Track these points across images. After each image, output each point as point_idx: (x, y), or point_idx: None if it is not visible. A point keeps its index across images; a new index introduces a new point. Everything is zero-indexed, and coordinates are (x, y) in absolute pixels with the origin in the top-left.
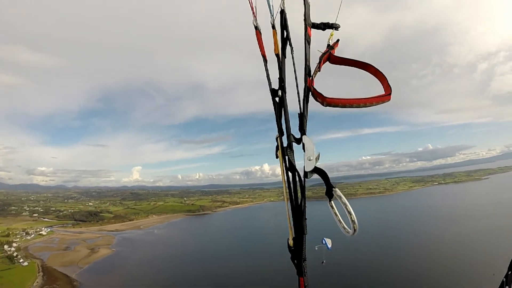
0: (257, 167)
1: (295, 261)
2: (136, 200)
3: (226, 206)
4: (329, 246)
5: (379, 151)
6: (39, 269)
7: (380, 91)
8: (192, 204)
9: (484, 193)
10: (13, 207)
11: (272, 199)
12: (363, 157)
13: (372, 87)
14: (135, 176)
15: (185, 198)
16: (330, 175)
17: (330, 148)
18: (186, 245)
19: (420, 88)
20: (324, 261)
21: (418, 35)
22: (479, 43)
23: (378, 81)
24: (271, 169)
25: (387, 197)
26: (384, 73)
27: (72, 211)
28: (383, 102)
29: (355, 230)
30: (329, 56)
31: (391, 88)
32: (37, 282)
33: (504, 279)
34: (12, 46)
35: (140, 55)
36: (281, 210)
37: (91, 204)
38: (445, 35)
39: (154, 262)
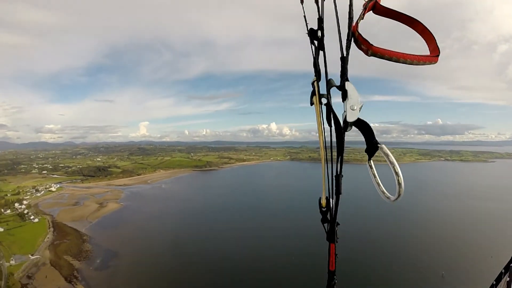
0: (264, 126)
1: (326, 224)
2: (144, 155)
3: (233, 163)
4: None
5: (388, 120)
6: (49, 225)
7: (420, 51)
8: (199, 160)
9: (490, 175)
10: (22, 166)
11: (278, 158)
12: (371, 124)
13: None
14: (142, 131)
15: (192, 154)
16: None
17: (338, 110)
18: (193, 200)
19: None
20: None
21: (439, 7)
22: (502, 24)
23: (423, 40)
24: (278, 128)
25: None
26: (432, 33)
27: (81, 167)
28: (430, 63)
29: (399, 194)
30: (374, 5)
31: (439, 49)
32: (48, 237)
33: (503, 270)
34: (13, 5)
35: (148, 9)
36: (286, 169)
37: (99, 159)
38: (467, 10)
39: (162, 216)
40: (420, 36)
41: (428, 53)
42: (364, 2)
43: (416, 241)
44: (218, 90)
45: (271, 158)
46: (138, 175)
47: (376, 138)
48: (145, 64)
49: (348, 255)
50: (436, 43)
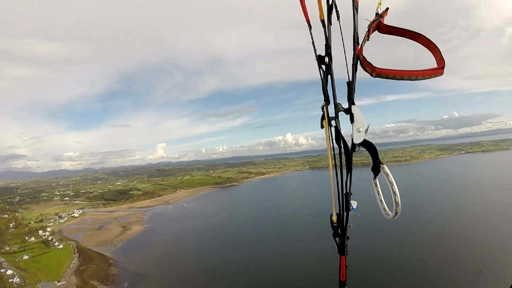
0: (280, 137)
1: (337, 238)
2: (163, 176)
3: (252, 177)
4: (354, 206)
5: (403, 119)
6: (74, 251)
7: (428, 64)
8: (219, 177)
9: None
10: (44, 193)
11: (298, 168)
12: (387, 125)
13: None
14: (159, 153)
15: (211, 171)
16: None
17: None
18: (216, 217)
19: (445, 52)
20: (351, 225)
21: None
22: (507, 7)
23: (430, 53)
24: (294, 139)
25: (414, 165)
26: (437, 45)
27: (102, 191)
28: (435, 76)
29: (396, 212)
30: (379, 25)
31: (444, 61)
32: (74, 263)
33: None
34: (26, 40)
35: (156, 33)
36: (308, 178)
37: (119, 183)
38: None
39: (187, 236)
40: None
41: (435, 65)
42: (368, 23)
43: (448, 237)
44: (232, 106)
45: (291, 169)
46: (159, 196)
47: (392, 139)
48: (158, 87)
49: (376, 256)
50: (441, 55)
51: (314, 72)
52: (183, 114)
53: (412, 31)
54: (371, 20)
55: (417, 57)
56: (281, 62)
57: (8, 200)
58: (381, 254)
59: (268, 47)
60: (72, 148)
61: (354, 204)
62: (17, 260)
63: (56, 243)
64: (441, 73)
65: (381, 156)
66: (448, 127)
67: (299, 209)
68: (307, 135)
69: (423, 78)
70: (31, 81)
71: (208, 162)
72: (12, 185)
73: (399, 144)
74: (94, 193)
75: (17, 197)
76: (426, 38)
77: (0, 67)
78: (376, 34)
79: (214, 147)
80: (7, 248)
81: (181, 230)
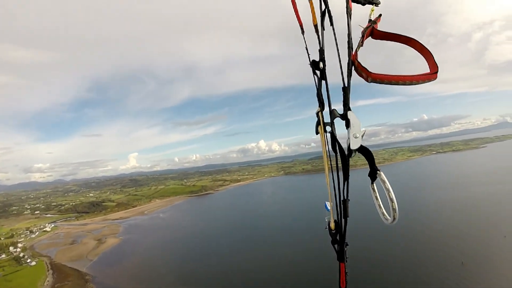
0: (253, 144)
1: (336, 245)
2: (136, 186)
3: (228, 184)
4: (329, 207)
5: (375, 123)
6: (48, 267)
7: (421, 69)
8: (193, 185)
9: (484, 161)
10: (14, 207)
11: (272, 174)
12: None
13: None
14: (132, 163)
15: (185, 180)
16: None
17: None
18: (194, 226)
19: (414, 58)
20: (327, 227)
21: (413, 5)
22: (474, 13)
23: (423, 58)
24: (267, 146)
25: (387, 166)
26: (430, 50)
27: (74, 204)
28: (429, 80)
29: (394, 218)
30: (372, 31)
31: (437, 66)
32: (48, 280)
33: None
34: (1, 45)
35: (129, 41)
36: (283, 184)
37: (92, 195)
38: (440, 5)
39: (164, 246)
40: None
41: (428, 70)
42: (362, 29)
43: (429, 234)
44: (204, 114)
45: (265, 175)
46: (133, 207)
47: (364, 142)
48: (130, 95)
49: (363, 256)
50: (434, 60)
51: (285, 79)
52: (156, 122)
53: (406, 36)
54: (364, 27)
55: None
56: (254, 69)
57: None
58: (375, 255)
59: (241, 55)
60: (42, 159)
61: (329, 205)
62: None
63: (29, 260)
64: (435, 78)
65: (354, 159)
66: (418, 129)
67: (279, 214)
68: (280, 141)
69: (418, 83)
70: (2, 89)
71: (181, 171)
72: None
73: (371, 147)
74: (66, 205)
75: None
76: (419, 43)
77: None
78: (368, 40)
79: (187, 156)
80: None
81: (158, 241)
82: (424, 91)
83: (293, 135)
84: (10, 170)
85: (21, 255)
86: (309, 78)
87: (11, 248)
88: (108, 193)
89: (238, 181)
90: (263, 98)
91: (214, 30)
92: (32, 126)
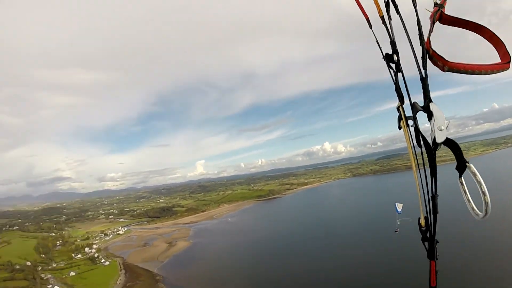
0: (318, 147)
1: (426, 243)
2: (205, 192)
3: (295, 188)
4: (399, 210)
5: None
6: (120, 267)
7: (489, 57)
8: (261, 190)
9: None
10: (89, 212)
11: (340, 177)
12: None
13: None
14: (199, 170)
15: (252, 185)
16: (394, 146)
17: (388, 118)
18: (263, 231)
19: (476, 41)
20: (397, 230)
21: None
22: None
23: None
24: (332, 147)
25: None
26: (501, 38)
27: (145, 209)
28: (503, 70)
29: (486, 213)
30: (441, 15)
31: (510, 55)
32: (120, 279)
33: None
34: (67, 70)
35: (187, 54)
36: (352, 186)
37: (162, 200)
38: None
39: (233, 250)
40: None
41: (499, 60)
42: (430, 14)
43: None
44: (267, 119)
45: (333, 178)
46: (202, 211)
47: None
48: (194, 106)
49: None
50: (506, 48)
51: (344, 78)
52: (221, 130)
53: (475, 23)
54: (432, 11)
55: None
56: (313, 71)
57: (55, 219)
58: (466, 254)
59: (298, 57)
60: (114, 169)
61: (399, 208)
62: (64, 276)
63: (103, 260)
64: (508, 68)
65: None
66: (489, 120)
67: (349, 217)
68: (345, 143)
69: (492, 72)
70: (73, 108)
71: (248, 176)
72: (58, 205)
73: None
74: (138, 210)
75: (64, 217)
76: (490, 30)
77: (46, 96)
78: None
79: (253, 161)
80: (54, 265)
81: (227, 245)
82: (490, 78)
83: (358, 135)
84: (85, 180)
85: (96, 255)
86: (371, 74)
87: (86, 249)
88: (178, 199)
89: (305, 184)
90: (325, 99)
91: (267, 35)
92: (104, 140)
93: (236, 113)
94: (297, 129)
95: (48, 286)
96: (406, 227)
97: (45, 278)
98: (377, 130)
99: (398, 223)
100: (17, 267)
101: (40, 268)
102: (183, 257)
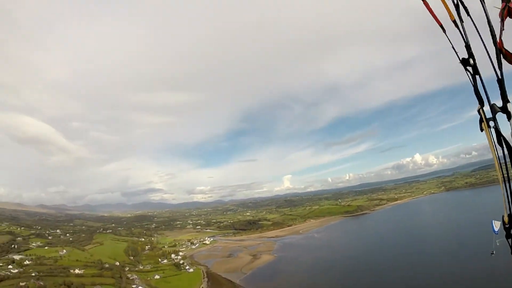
0: (408, 159)
1: (510, 240)
2: (291, 207)
3: (384, 204)
4: (496, 229)
5: None
6: (204, 275)
7: None
8: (348, 205)
9: None
10: (178, 222)
11: (432, 191)
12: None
13: None
14: (286, 184)
15: (339, 200)
16: (491, 155)
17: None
18: (350, 248)
19: None
20: (493, 252)
21: None
22: None
23: None
24: (423, 159)
25: None
26: None
27: (232, 221)
28: None
29: None
30: (510, 11)
31: None
32: (202, 287)
33: None
34: (158, 92)
35: (270, 70)
36: (446, 202)
37: (249, 214)
38: None
39: (317, 267)
40: None
41: None
42: (499, 12)
43: None
44: (353, 132)
45: (424, 192)
46: (288, 226)
47: None
48: (279, 121)
49: None
50: None
51: (432, 82)
52: (306, 145)
53: None
54: (500, 8)
55: None
56: (397, 77)
57: (146, 226)
58: None
59: (381, 64)
60: (203, 182)
61: (496, 226)
62: (148, 278)
63: (187, 267)
64: None
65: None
66: None
67: (442, 235)
68: (436, 153)
69: None
70: (164, 127)
71: (335, 191)
72: (149, 214)
73: None
74: (225, 222)
75: (154, 224)
76: None
77: (140, 117)
78: None
79: (340, 176)
80: (141, 267)
81: (311, 261)
82: None
83: (450, 145)
84: (175, 192)
85: (181, 262)
86: (459, 75)
87: (173, 255)
88: (264, 212)
89: (396, 199)
90: (413, 107)
91: (348, 44)
92: (193, 155)
93: (321, 127)
94: (385, 141)
95: (133, 286)
96: (504, 249)
97: (131, 278)
98: (471, 138)
99: (497, 243)
100: (106, 265)
101: (127, 268)
102: (267, 270)
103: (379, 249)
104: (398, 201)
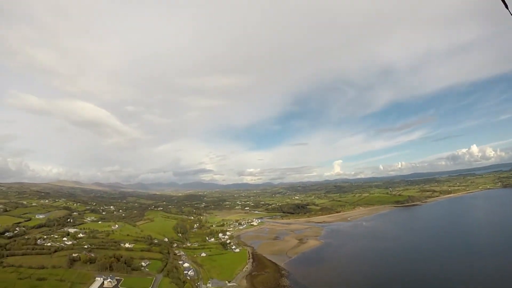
0: (464, 150)
1: None
2: (340, 193)
3: (437, 196)
4: None
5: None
6: (249, 256)
7: None
8: (399, 195)
9: None
10: (227, 202)
11: (488, 186)
12: None
13: None
14: (336, 170)
15: (390, 189)
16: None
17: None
18: (398, 239)
19: None
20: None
21: None
22: None
23: None
24: (480, 151)
25: None
26: None
27: (280, 204)
28: None
29: None
30: None
31: None
32: (247, 267)
33: None
34: (209, 77)
35: (323, 53)
36: (503, 199)
37: (297, 197)
38: None
39: (364, 257)
40: None
41: None
42: None
43: None
44: (407, 118)
45: (480, 187)
46: (337, 212)
47: None
48: (331, 105)
49: None
50: None
51: (495, 66)
52: (358, 130)
53: None
54: None
55: None
56: (455, 61)
57: (195, 205)
58: None
59: (437, 47)
60: (253, 164)
61: None
62: (195, 255)
63: (233, 247)
64: None
65: None
66: None
67: (494, 235)
68: (494, 146)
69: None
70: (216, 109)
71: (386, 180)
72: (199, 193)
73: None
74: (273, 205)
75: (203, 204)
76: None
77: (192, 100)
78: None
79: (392, 164)
80: (188, 244)
81: (358, 250)
82: None
83: (510, 137)
84: (226, 173)
85: (228, 241)
86: None
87: (220, 235)
88: (313, 197)
89: (449, 192)
90: (471, 94)
91: (403, 26)
92: (244, 138)
93: (374, 111)
94: (441, 129)
95: (180, 262)
96: None
97: (178, 254)
98: None
99: None
100: (155, 241)
101: (175, 245)
102: (312, 255)
103: (428, 246)
104: (451, 194)
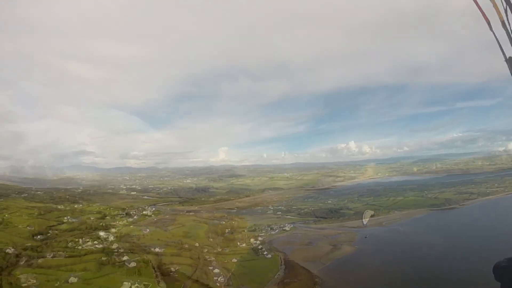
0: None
1: None
2: (374, 196)
3: (475, 198)
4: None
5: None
6: (281, 262)
7: None
8: (435, 198)
9: None
10: (258, 207)
11: None
12: (454, 134)
13: None
14: (221, 156)
15: (425, 192)
16: (421, 153)
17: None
18: (436, 245)
19: None
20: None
21: None
22: None
23: None
24: (357, 147)
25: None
26: None
27: (313, 209)
28: None
29: None
30: None
31: None
32: (279, 274)
33: None
34: (100, 40)
35: (223, 38)
36: None
37: (330, 202)
38: None
39: (400, 263)
40: None
41: None
42: None
43: None
44: (296, 112)
45: None
46: (371, 216)
47: (460, 150)
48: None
49: None
50: None
51: (384, 75)
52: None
53: None
54: None
55: None
56: (349, 66)
57: (227, 210)
58: None
59: (333, 51)
60: (137, 148)
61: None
62: (226, 261)
63: (265, 252)
64: None
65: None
66: None
67: None
68: (370, 143)
69: None
70: (102, 83)
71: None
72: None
73: (467, 155)
74: (305, 209)
75: (235, 209)
76: None
77: (74, 68)
78: None
79: (276, 153)
80: (219, 250)
81: (394, 255)
82: None
83: (386, 137)
84: (108, 156)
85: (260, 247)
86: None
87: (251, 240)
88: (346, 201)
89: (487, 194)
90: (358, 96)
91: (307, 25)
92: (131, 118)
93: (268, 102)
94: (325, 124)
95: (210, 267)
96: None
97: (208, 259)
98: None
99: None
100: (186, 246)
101: (206, 250)
102: (346, 262)
103: (468, 253)
104: (490, 196)
